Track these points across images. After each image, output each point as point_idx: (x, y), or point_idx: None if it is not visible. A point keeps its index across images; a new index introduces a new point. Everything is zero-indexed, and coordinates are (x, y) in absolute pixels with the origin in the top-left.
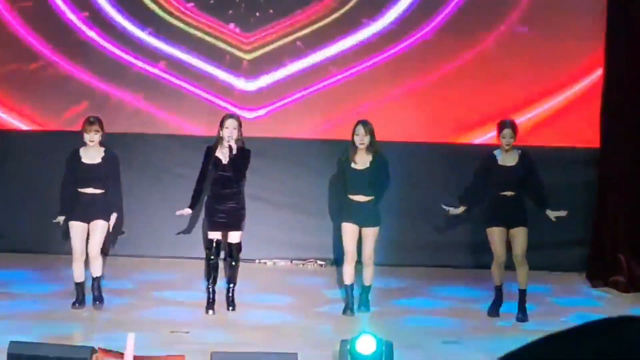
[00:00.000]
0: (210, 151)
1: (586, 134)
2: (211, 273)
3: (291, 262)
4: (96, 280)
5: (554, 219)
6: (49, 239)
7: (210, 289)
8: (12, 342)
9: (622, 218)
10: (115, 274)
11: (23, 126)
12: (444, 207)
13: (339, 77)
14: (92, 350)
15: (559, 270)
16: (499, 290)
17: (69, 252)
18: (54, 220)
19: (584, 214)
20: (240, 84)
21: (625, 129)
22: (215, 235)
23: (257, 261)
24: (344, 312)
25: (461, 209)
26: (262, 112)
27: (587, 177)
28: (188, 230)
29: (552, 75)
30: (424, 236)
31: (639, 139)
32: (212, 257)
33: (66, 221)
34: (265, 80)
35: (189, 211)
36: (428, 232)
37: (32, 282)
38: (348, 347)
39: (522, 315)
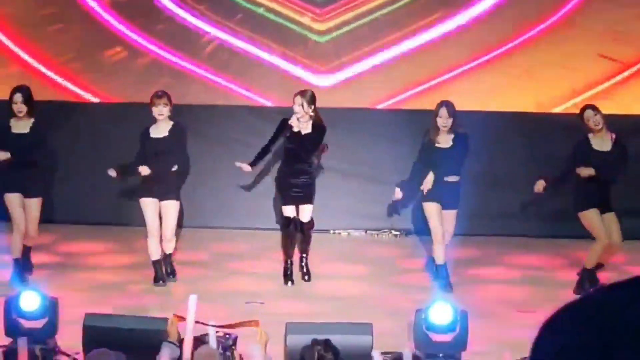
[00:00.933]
0: (284, 123)
1: None
2: (289, 247)
3: (365, 232)
4: (168, 257)
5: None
6: (123, 210)
7: (289, 262)
8: (87, 315)
9: None
10: (189, 245)
11: (95, 98)
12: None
13: (413, 47)
14: (167, 322)
15: (634, 238)
16: (590, 272)
17: (142, 224)
18: (110, 172)
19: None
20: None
21: None
22: (290, 212)
23: (331, 232)
24: (446, 290)
25: None
26: (335, 80)
27: None
28: (259, 202)
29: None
30: (497, 205)
31: None
32: (289, 233)
33: (137, 197)
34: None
35: (248, 168)
36: (501, 202)
37: (107, 254)
38: (423, 316)
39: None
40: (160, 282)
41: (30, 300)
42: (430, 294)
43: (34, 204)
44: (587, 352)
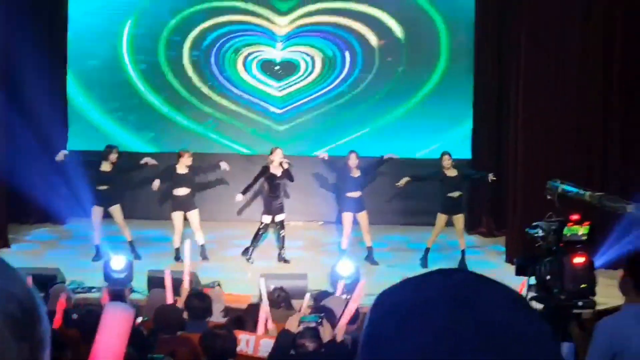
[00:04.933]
0: (266, 169)
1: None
2: (258, 240)
3: (302, 222)
4: (202, 247)
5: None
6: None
7: (252, 249)
8: (149, 271)
9: (484, 196)
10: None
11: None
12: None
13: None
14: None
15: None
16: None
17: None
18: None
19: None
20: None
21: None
22: (267, 219)
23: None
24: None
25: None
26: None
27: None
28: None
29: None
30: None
31: (500, 146)
32: (262, 232)
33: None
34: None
35: (241, 197)
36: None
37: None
38: (335, 269)
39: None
40: (178, 260)
41: (118, 262)
42: (340, 257)
43: (117, 210)
44: (411, 307)
